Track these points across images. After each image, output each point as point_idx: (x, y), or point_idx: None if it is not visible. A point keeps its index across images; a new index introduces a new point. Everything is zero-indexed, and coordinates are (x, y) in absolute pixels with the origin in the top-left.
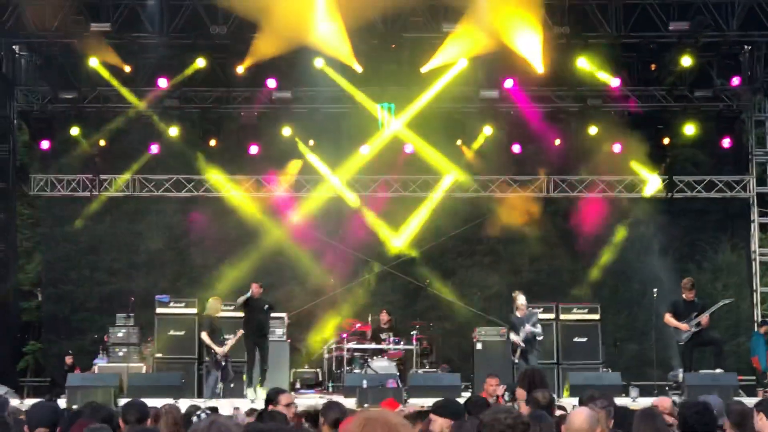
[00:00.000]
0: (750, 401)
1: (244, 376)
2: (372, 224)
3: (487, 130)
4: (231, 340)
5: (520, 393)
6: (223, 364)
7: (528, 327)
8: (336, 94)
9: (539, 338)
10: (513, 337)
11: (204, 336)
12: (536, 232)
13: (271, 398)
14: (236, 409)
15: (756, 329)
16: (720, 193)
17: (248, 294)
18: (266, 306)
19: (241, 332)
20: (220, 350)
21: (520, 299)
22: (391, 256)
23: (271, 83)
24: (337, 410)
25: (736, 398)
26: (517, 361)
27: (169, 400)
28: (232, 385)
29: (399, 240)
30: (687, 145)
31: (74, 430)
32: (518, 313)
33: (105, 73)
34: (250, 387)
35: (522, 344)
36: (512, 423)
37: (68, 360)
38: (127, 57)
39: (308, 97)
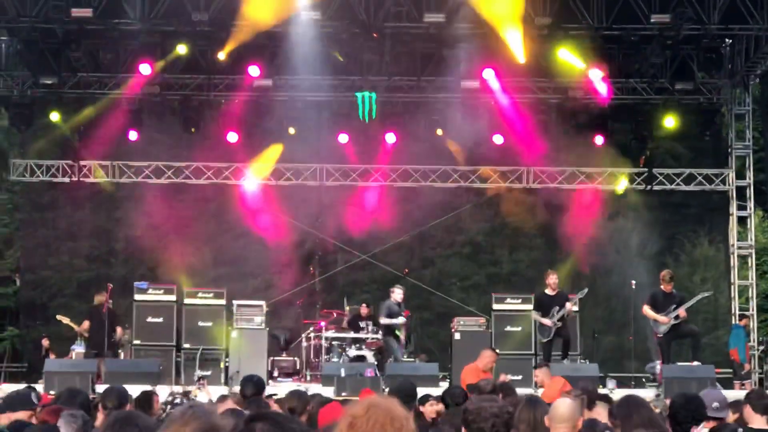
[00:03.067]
0: (727, 394)
1: (222, 364)
2: (352, 214)
3: (469, 121)
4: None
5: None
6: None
7: (569, 305)
8: (317, 82)
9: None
10: (542, 319)
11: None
12: (516, 223)
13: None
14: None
15: (735, 322)
16: (699, 186)
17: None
18: None
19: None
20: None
21: (553, 277)
22: (370, 245)
23: (253, 71)
24: (297, 399)
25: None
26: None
27: (147, 387)
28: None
29: (378, 229)
30: (667, 138)
31: (49, 414)
32: (549, 291)
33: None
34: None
35: (558, 324)
36: (497, 411)
37: (44, 342)
38: (108, 43)
39: (289, 86)
